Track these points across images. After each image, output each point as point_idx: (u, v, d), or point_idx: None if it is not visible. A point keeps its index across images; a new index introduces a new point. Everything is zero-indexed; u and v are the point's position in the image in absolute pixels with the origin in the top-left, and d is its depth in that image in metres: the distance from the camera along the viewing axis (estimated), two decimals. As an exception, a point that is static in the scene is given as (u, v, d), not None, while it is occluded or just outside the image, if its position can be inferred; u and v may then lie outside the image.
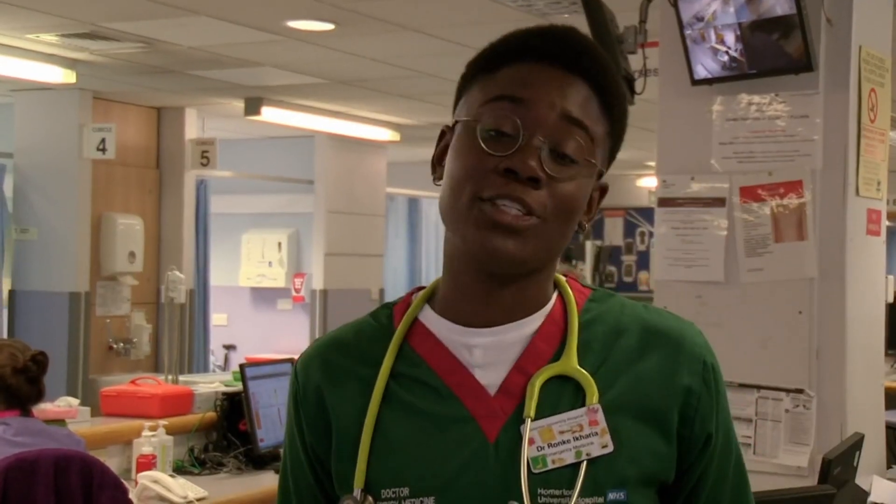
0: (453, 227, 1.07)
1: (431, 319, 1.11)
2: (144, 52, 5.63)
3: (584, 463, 1.03)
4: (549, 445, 1.04)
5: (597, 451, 1.04)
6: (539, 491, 1.03)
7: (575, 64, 1.07)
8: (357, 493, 1.06)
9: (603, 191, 1.12)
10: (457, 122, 1.09)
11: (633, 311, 1.12)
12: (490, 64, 1.09)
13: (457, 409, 1.06)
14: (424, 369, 1.09)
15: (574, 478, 1.03)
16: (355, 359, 1.12)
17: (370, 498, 1.06)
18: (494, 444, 1.05)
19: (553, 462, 1.03)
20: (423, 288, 1.15)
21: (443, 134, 1.13)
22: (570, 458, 1.03)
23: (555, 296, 1.11)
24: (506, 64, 1.07)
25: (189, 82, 6.50)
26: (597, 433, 1.04)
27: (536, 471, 1.03)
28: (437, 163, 1.12)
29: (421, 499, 1.04)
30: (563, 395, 1.06)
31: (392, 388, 1.09)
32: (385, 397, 1.08)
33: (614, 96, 1.09)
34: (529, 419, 1.04)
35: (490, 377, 1.07)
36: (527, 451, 1.03)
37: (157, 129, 7.50)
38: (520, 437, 1.04)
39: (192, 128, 7.53)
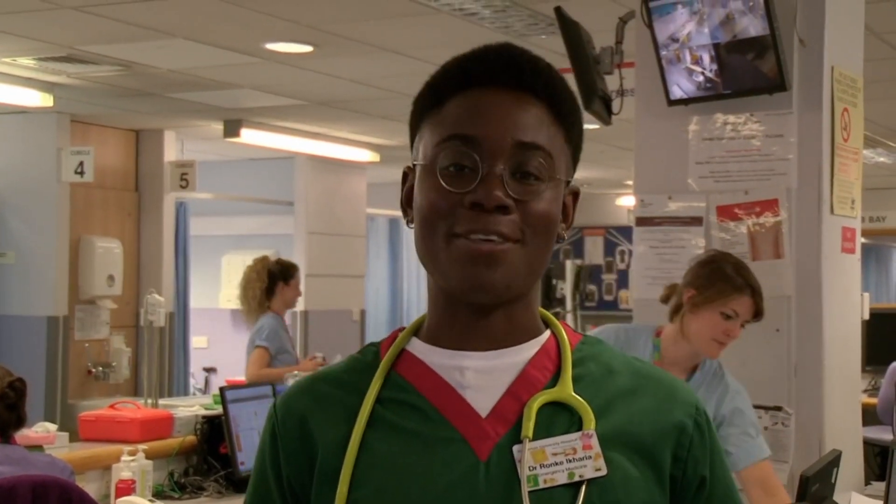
0: (433, 267, 1.07)
1: (420, 348, 1.09)
2: (122, 74, 5.62)
3: (585, 484, 1.01)
4: (542, 466, 1.02)
5: (590, 474, 1.02)
6: None
7: (518, 82, 1.06)
8: None
9: (575, 196, 1.11)
10: (415, 164, 1.09)
11: (624, 358, 1.12)
12: (434, 99, 1.08)
13: (445, 430, 1.04)
14: (412, 393, 1.07)
15: (570, 499, 1.01)
16: (342, 389, 1.09)
17: None
18: (486, 463, 1.03)
19: (545, 482, 1.01)
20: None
21: (405, 175, 1.13)
22: (562, 479, 1.01)
23: (547, 332, 1.11)
24: (450, 96, 1.07)
25: (168, 105, 6.49)
26: (590, 457, 1.02)
27: (528, 489, 1.00)
28: (407, 205, 1.12)
29: None
30: (557, 421, 1.05)
31: (378, 412, 1.06)
32: (371, 422, 1.05)
33: (565, 102, 1.08)
34: (528, 439, 1.02)
35: (481, 400, 1.05)
36: (526, 469, 1.01)
37: (135, 152, 7.47)
38: (512, 458, 1.02)
39: (171, 150, 7.52)
